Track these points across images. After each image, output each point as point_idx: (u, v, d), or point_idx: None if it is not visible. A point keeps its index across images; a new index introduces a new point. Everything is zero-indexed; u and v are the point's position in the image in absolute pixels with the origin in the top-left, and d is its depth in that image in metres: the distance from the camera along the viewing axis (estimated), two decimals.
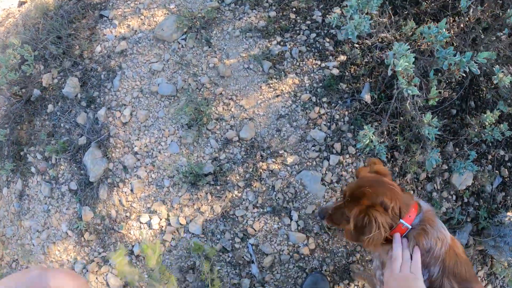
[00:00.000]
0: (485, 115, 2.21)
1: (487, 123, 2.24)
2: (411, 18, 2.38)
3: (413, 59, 1.75)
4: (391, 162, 2.49)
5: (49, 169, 2.86)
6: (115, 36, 2.83)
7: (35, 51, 2.93)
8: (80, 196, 2.71)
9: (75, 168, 2.75)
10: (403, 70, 1.73)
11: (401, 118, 2.41)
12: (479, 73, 1.78)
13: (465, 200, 2.62)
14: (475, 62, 1.72)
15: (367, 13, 1.85)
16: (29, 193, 2.97)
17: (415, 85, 1.74)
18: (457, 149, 2.61)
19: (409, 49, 1.75)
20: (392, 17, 2.38)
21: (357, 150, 2.41)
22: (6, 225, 3.08)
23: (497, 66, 1.88)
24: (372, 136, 2.08)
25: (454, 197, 2.60)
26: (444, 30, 1.75)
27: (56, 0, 3.18)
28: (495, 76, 1.84)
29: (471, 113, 2.67)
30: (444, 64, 1.86)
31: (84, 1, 3.06)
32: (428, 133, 2.03)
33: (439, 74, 2.07)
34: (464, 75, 1.85)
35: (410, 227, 1.37)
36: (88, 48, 2.90)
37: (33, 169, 2.91)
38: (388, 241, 1.41)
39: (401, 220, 1.36)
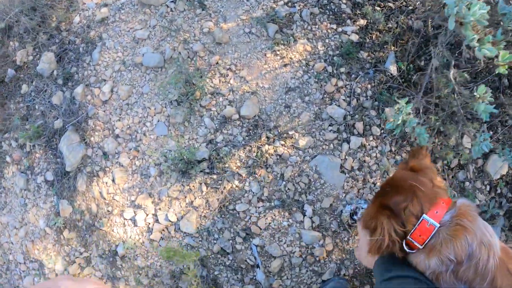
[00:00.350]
0: None
1: None
2: None
3: (488, 7, 1.14)
4: (428, 136, 1.91)
5: (23, 158, 2.30)
6: (96, 3, 2.25)
7: (4, 24, 2.35)
8: (56, 188, 2.16)
9: (51, 156, 2.20)
10: (476, 22, 1.12)
11: (436, 95, 1.81)
12: None
13: (499, 191, 2.04)
14: None
15: None
16: (5, 185, 2.43)
17: (491, 43, 1.13)
18: (491, 131, 2.02)
19: None
20: None
21: (382, 132, 1.82)
22: None
23: None
24: (409, 114, 1.48)
25: (488, 187, 2.02)
26: None
27: None
28: None
29: (505, 91, 2.07)
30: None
31: None
32: (483, 111, 1.43)
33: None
34: None
35: (437, 225, 0.97)
36: (66, 19, 2.34)
37: (8, 159, 2.38)
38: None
39: (424, 216, 0.98)
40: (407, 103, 1.57)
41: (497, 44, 1.39)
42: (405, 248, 1.01)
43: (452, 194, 1.93)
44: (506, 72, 1.39)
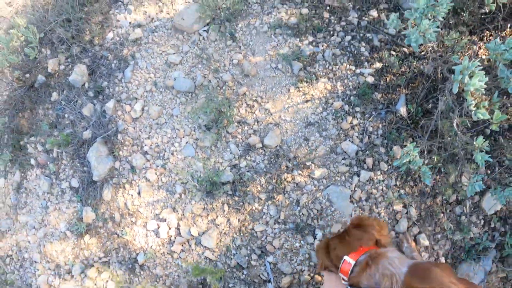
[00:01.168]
0: None
1: None
2: (466, 28, 1.94)
3: (486, 79, 1.31)
4: (421, 182, 2.07)
5: (49, 163, 2.40)
6: (130, 22, 2.35)
7: (42, 33, 2.46)
8: (81, 195, 2.25)
9: (78, 164, 2.29)
10: (474, 91, 1.29)
11: (440, 137, 1.98)
12: None
13: (492, 225, 2.23)
14: None
15: (432, 18, 1.40)
16: (27, 186, 2.51)
17: (485, 109, 1.31)
18: (488, 171, 2.20)
19: (479, 66, 1.31)
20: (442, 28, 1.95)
21: (389, 167, 1.99)
22: (2, 218, 2.62)
23: None
24: (416, 156, 1.65)
25: (482, 221, 2.20)
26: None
27: None
28: None
29: (504, 134, 2.25)
30: (510, 87, 1.44)
31: None
32: (480, 160, 1.60)
33: (504, 96, 1.64)
34: None
35: (353, 262, 1.36)
36: (100, 34, 2.42)
37: (32, 161, 2.45)
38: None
39: (345, 257, 1.38)
40: (414, 147, 1.74)
41: (493, 105, 1.57)
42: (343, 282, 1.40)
43: (448, 227, 2.11)
44: (498, 129, 1.58)
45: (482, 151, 1.64)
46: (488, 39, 2.22)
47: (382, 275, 1.28)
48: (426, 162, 1.91)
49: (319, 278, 1.97)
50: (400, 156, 1.76)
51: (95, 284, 2.25)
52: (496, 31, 2.22)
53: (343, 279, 1.39)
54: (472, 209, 2.22)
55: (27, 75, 2.55)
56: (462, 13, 2.17)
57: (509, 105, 1.87)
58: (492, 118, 1.52)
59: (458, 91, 1.86)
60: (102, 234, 2.22)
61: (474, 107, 1.37)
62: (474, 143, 1.67)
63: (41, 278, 2.36)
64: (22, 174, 2.53)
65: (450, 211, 2.16)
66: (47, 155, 2.44)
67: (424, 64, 2.20)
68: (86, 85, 2.35)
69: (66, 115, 2.38)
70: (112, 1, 2.52)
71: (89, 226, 2.23)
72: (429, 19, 1.44)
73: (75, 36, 2.48)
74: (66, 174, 2.35)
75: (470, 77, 1.41)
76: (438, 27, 1.45)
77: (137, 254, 2.11)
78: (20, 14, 2.93)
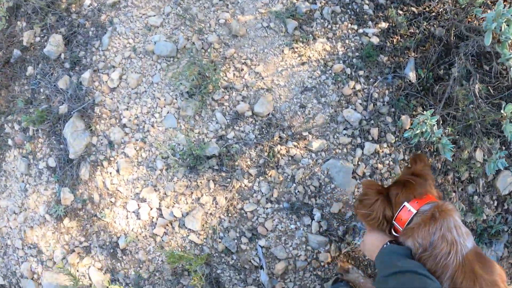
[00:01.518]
0: None
1: None
2: None
3: None
4: (433, 156, 1.82)
5: (26, 142, 2.20)
6: None
7: (10, 3, 2.21)
8: (59, 175, 2.06)
9: (54, 142, 2.10)
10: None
11: (454, 106, 1.72)
12: None
13: (506, 207, 1.98)
14: None
15: None
16: (6, 168, 2.32)
17: None
18: (503, 147, 1.94)
19: None
20: None
21: (397, 139, 1.74)
22: None
23: None
24: (434, 125, 1.39)
25: (495, 202, 1.95)
26: None
27: None
28: None
29: None
30: None
31: None
32: (510, 132, 1.34)
33: None
34: None
35: (415, 211, 1.11)
36: (76, 1, 2.19)
37: (10, 142, 2.27)
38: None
39: (405, 203, 1.14)
40: (432, 116, 1.48)
41: None
42: (393, 232, 1.17)
43: (460, 208, 1.86)
44: None
45: (511, 122, 1.38)
46: None
47: (442, 238, 1.03)
48: (445, 132, 1.65)
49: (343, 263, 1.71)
50: (413, 125, 1.50)
51: (77, 271, 2.06)
52: None
53: (394, 230, 1.16)
54: (486, 188, 1.96)
55: (1, 51, 2.35)
56: None
57: None
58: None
59: (478, 46, 1.59)
60: (82, 217, 2.02)
61: None
62: (502, 111, 1.40)
63: (23, 265, 2.18)
64: (1, 156, 2.35)
65: (462, 189, 1.91)
66: (23, 134, 2.24)
67: (435, 25, 1.93)
68: (62, 56, 2.14)
69: (41, 90, 2.17)
70: None
71: (68, 208, 2.04)
72: None
73: (50, 4, 2.27)
74: (43, 153, 2.15)
75: (508, 25, 1.15)
76: None
77: (118, 238, 1.90)
78: None
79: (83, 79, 2.04)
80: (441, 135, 1.44)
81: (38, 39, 2.29)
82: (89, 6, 2.19)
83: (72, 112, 2.08)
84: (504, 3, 1.69)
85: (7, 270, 2.33)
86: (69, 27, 2.22)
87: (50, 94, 2.18)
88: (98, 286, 1.97)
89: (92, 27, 2.14)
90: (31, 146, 2.22)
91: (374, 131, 1.75)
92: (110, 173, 1.94)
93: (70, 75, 2.14)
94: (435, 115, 1.58)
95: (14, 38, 2.40)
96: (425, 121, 1.39)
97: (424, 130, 1.47)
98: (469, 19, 1.98)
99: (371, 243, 1.20)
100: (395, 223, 1.14)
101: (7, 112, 2.37)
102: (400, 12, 1.98)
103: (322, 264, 1.76)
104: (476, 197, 1.96)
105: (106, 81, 1.97)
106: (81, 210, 2.06)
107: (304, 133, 1.72)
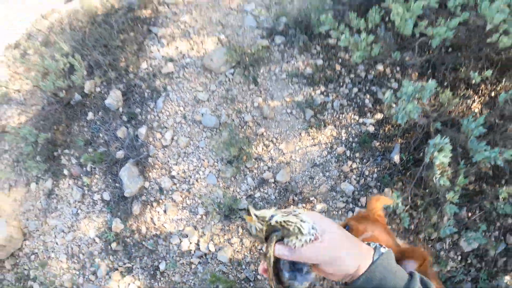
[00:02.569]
0: (500, 190, 2.55)
1: (501, 197, 2.59)
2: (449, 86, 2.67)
3: (450, 153, 2.07)
4: (409, 219, 2.84)
5: (83, 176, 3.14)
6: (162, 56, 3.07)
7: (79, 56, 3.17)
8: (112, 207, 3.00)
9: (110, 180, 3.04)
10: (439, 163, 2.05)
11: (424, 186, 2.74)
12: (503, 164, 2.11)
13: (469, 261, 2.99)
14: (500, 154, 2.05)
15: (418, 99, 2.15)
16: (58, 193, 3.24)
17: (447, 177, 2.07)
18: (469, 213, 2.97)
19: (447, 143, 2.07)
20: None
21: None
22: (30, 219, 3.35)
23: None
24: (399, 203, 2.42)
25: (459, 257, 2.97)
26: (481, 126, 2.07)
27: (104, 6, 3.39)
28: None
29: (488, 181, 3.01)
30: (475, 157, 2.19)
31: (133, 13, 3.28)
32: (449, 210, 2.37)
33: (468, 164, 2.39)
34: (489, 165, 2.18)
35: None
36: (134, 63, 3.14)
37: (65, 172, 3.18)
38: None
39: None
40: (398, 196, 2.50)
41: (459, 171, 2.33)
42: None
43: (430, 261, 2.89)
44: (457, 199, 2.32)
45: (452, 203, 2.42)
46: (483, 92, 2.96)
47: None
48: (408, 206, 2.67)
49: None
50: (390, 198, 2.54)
51: (118, 286, 3.04)
52: (491, 87, 2.95)
53: None
54: (451, 246, 2.99)
55: (64, 92, 3.31)
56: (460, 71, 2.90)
57: (472, 171, 2.62)
58: (453, 184, 2.29)
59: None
60: (128, 243, 2.99)
61: (439, 175, 2.14)
62: (447, 196, 2.43)
63: (65, 276, 3.12)
64: (54, 182, 3.29)
65: (431, 246, 2.93)
66: (80, 168, 3.21)
67: (420, 116, 2.95)
68: (121, 109, 3.10)
69: (101, 135, 3.13)
70: (146, 32, 3.24)
71: (117, 236, 3.01)
72: (415, 103, 2.19)
73: (111, 62, 3.23)
74: (98, 187, 3.12)
75: (439, 151, 2.17)
76: (421, 111, 2.20)
77: (159, 263, 2.88)
78: (57, 31, 3.67)
79: (140, 133, 3.01)
80: (402, 210, 2.46)
81: (98, 89, 3.24)
82: (145, 69, 3.14)
83: (128, 159, 3.05)
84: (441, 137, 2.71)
85: (45, 279, 3.29)
86: (127, 85, 3.17)
87: (109, 140, 3.14)
88: None
89: (147, 89, 3.09)
90: (88, 180, 3.19)
91: (363, 199, 2.74)
92: (158, 212, 2.92)
93: (127, 127, 3.10)
94: (404, 193, 2.60)
95: (75, 83, 3.36)
96: (395, 200, 2.41)
97: (393, 205, 2.49)
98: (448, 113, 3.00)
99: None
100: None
101: (65, 146, 3.33)
102: (393, 105, 2.99)
103: None
104: (442, 253, 2.98)
105: (159, 139, 2.93)
106: (128, 237, 3.03)
107: (311, 198, 2.67)
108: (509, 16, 1.88)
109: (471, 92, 2.88)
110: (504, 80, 2.77)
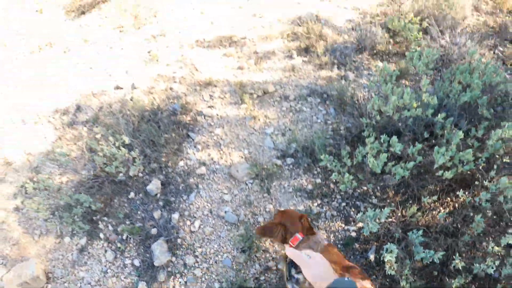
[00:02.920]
0: (453, 281, 3.72)
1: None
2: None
3: (396, 254, 3.25)
4: None
5: (117, 242, 4.11)
6: (197, 159, 4.20)
7: (127, 140, 4.25)
8: (140, 272, 3.96)
9: (142, 250, 4.02)
10: (389, 261, 3.22)
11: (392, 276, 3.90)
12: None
13: None
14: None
15: (378, 220, 3.34)
16: (91, 251, 4.12)
17: (395, 271, 3.23)
18: None
19: (396, 248, 3.24)
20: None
21: None
22: (57, 266, 4.09)
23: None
24: None
25: None
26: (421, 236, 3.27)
27: (152, 104, 4.53)
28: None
29: (450, 275, 4.19)
30: (424, 259, 3.37)
31: (176, 117, 4.43)
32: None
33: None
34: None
35: (301, 238, 2.76)
36: (173, 160, 4.24)
37: (101, 235, 4.13)
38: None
39: (296, 234, 2.77)
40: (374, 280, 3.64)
41: (405, 267, 3.50)
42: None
43: None
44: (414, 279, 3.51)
45: None
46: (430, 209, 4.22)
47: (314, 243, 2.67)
48: None
49: None
50: None
51: None
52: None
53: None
54: None
55: (110, 168, 4.33)
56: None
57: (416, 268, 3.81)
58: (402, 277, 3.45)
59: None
60: None
61: (391, 270, 3.29)
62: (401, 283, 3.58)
63: None
64: (89, 241, 4.22)
65: None
66: (116, 235, 4.19)
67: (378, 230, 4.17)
68: (159, 195, 4.15)
69: (139, 212, 4.14)
70: (185, 135, 4.38)
71: None
72: (375, 221, 3.38)
73: (156, 154, 4.32)
74: (130, 254, 4.07)
75: (389, 252, 3.34)
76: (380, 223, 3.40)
77: None
78: (106, 112, 4.75)
79: (173, 218, 4.04)
80: None
81: (141, 175, 4.29)
82: (182, 167, 4.23)
83: (160, 235, 4.06)
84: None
85: None
86: (166, 176, 4.23)
87: (145, 217, 4.15)
88: None
89: (182, 183, 4.16)
90: (122, 246, 4.15)
91: None
92: (180, 282, 3.89)
93: (162, 211, 4.12)
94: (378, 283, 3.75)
95: (121, 163, 4.40)
96: None
97: None
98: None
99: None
100: (290, 243, 2.67)
101: (104, 213, 4.31)
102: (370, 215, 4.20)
103: None
104: None
105: (189, 225, 3.96)
106: None
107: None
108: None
109: (420, 212, 4.13)
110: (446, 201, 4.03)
